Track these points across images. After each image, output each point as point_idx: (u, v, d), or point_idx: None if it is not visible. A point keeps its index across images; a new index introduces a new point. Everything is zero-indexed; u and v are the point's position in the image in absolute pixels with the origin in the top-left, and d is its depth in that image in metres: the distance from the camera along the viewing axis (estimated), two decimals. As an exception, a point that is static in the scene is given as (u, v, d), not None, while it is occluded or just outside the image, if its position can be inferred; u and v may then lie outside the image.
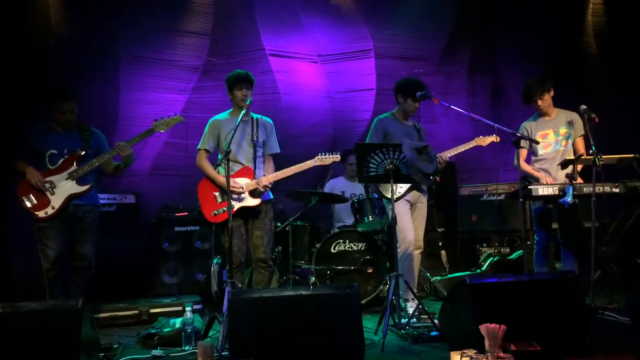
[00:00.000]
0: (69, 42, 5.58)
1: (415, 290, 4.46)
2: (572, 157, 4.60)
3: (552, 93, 4.84)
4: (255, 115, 4.38)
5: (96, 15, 5.68)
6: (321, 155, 4.35)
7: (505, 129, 4.28)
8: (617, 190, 4.43)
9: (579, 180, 4.59)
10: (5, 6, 5.26)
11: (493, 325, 2.65)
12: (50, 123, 4.21)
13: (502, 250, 5.82)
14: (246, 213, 4.23)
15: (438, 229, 6.19)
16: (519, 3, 6.80)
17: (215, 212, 4.16)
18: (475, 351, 2.73)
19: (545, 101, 4.82)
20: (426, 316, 4.05)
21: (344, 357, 3.06)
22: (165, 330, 3.85)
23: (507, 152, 6.35)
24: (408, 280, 4.26)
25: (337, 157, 4.37)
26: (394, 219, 4.12)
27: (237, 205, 4.16)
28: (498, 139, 4.70)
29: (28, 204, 4.00)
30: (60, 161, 4.11)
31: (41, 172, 4.04)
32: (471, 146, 4.69)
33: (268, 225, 4.29)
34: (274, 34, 6.36)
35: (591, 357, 3.24)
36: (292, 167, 4.27)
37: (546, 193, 4.45)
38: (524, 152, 4.97)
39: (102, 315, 4.50)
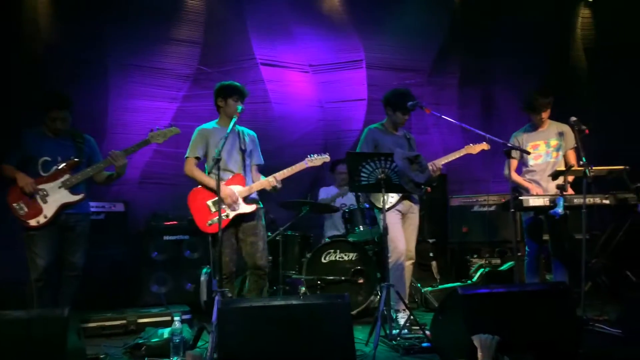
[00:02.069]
0: (58, 49, 5.55)
1: (406, 301, 4.43)
2: (563, 168, 4.62)
3: None
4: (238, 127, 4.38)
5: (86, 23, 5.66)
6: (310, 156, 4.36)
7: (496, 139, 4.28)
8: (607, 201, 4.45)
9: (570, 191, 4.62)
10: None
11: (486, 335, 2.62)
12: (42, 128, 4.13)
13: (492, 261, 5.81)
14: (239, 221, 4.20)
15: (428, 240, 6.17)
16: (509, 16, 6.86)
17: (211, 222, 4.10)
18: (467, 362, 2.71)
19: (547, 114, 4.85)
20: (417, 327, 4.02)
21: (334, 368, 3.03)
22: (153, 340, 3.79)
23: (498, 164, 6.35)
24: (399, 290, 4.23)
25: (326, 158, 4.39)
26: (385, 229, 4.10)
27: (232, 214, 4.13)
28: (488, 147, 4.73)
29: (20, 212, 3.92)
30: (54, 169, 4.03)
31: (33, 179, 3.96)
32: (462, 154, 4.71)
33: (262, 231, 4.28)
34: (265, 43, 6.37)
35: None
36: (285, 170, 4.27)
37: (537, 204, 4.46)
38: (514, 163, 4.99)
39: (89, 325, 4.41)
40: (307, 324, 3.05)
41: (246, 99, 4.35)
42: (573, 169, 4.47)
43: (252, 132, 4.47)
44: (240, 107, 4.16)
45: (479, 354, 2.63)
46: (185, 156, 4.31)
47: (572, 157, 4.82)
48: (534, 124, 4.96)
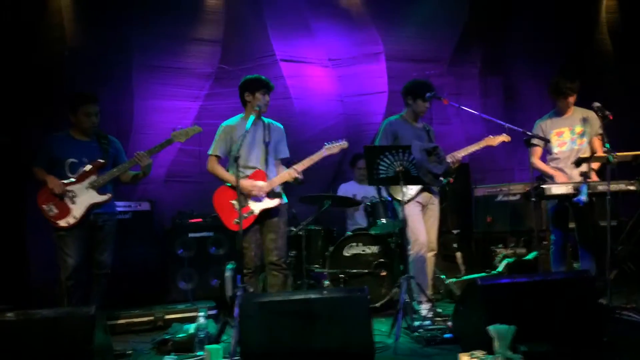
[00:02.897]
0: (82, 52, 5.67)
1: (429, 293, 4.43)
2: (588, 155, 4.55)
3: None
4: (266, 120, 4.40)
5: (109, 26, 5.78)
6: (328, 144, 4.34)
7: (515, 128, 4.25)
8: (632, 187, 4.36)
9: (594, 178, 4.54)
10: (20, 18, 5.36)
11: (502, 325, 2.62)
12: (68, 131, 4.25)
13: (517, 251, 5.74)
14: (263, 217, 4.24)
15: (453, 231, 6.14)
16: (530, 2, 6.73)
17: (237, 219, 4.10)
18: (484, 352, 2.71)
19: (573, 99, 4.79)
20: (440, 318, 4.02)
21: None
22: (178, 335, 3.87)
23: (522, 152, 6.29)
24: (420, 282, 4.24)
25: (344, 144, 4.35)
26: (405, 221, 4.10)
27: (257, 209, 4.18)
28: (509, 139, 4.68)
29: (50, 213, 4.03)
30: (81, 170, 4.14)
31: (62, 181, 4.07)
32: (481, 146, 4.68)
33: (282, 228, 4.30)
34: (284, 40, 6.39)
35: (607, 357, 3.20)
36: (304, 160, 4.27)
37: (560, 192, 4.40)
38: (538, 151, 4.94)
39: (118, 322, 4.54)
40: (326, 317, 3.08)
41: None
42: (596, 155, 4.39)
43: (279, 125, 4.47)
44: (258, 105, 4.19)
45: (495, 344, 2.63)
46: (208, 153, 4.37)
47: (597, 144, 4.74)
48: (558, 110, 4.90)
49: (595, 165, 4.60)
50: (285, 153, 4.44)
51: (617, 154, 4.22)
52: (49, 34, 5.61)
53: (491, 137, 4.72)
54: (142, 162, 4.19)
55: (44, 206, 4.05)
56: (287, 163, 4.45)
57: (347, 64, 6.65)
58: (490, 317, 2.98)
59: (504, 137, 4.69)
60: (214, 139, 4.36)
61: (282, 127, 4.48)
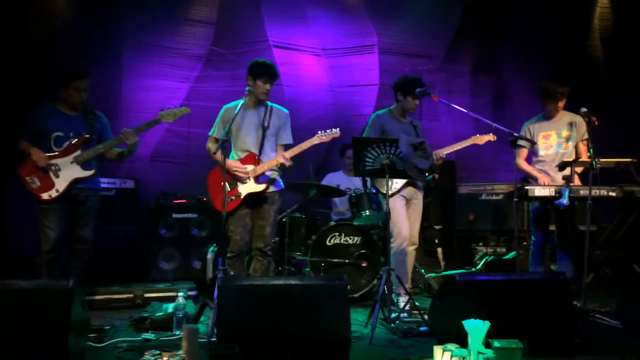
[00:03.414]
0: (73, 28, 5.60)
1: (408, 286, 4.48)
2: (571, 159, 4.61)
3: None
4: (270, 104, 4.38)
5: (101, 1, 5.71)
6: (321, 132, 4.32)
7: (503, 128, 4.29)
8: (613, 194, 4.44)
9: (577, 182, 4.61)
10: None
11: (476, 320, 2.66)
12: (55, 104, 4.21)
13: (497, 249, 5.82)
14: (253, 202, 4.24)
15: (435, 227, 6.20)
16: (524, 4, 6.77)
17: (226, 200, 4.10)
18: (457, 346, 2.75)
19: (562, 103, 4.85)
20: (417, 311, 4.07)
21: (330, 347, 3.08)
22: (157, 314, 3.89)
23: (508, 152, 6.30)
24: (400, 275, 4.28)
25: (336, 133, 4.33)
26: (388, 213, 4.13)
27: (244, 192, 4.19)
28: (495, 138, 4.72)
29: (33, 186, 4.01)
30: (66, 144, 4.11)
31: (46, 154, 4.05)
32: (467, 144, 4.73)
33: (273, 216, 4.29)
34: (278, 26, 6.37)
35: (578, 358, 3.26)
36: (295, 147, 4.26)
37: (542, 194, 4.47)
38: (524, 152, 5.00)
39: (97, 297, 4.55)
40: (304, 304, 3.10)
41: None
42: (580, 160, 4.46)
43: (284, 110, 4.42)
44: (247, 89, 4.19)
45: (469, 338, 2.67)
46: (208, 134, 4.36)
47: (582, 149, 4.81)
48: (546, 113, 4.95)
49: (579, 169, 4.66)
50: (287, 139, 4.38)
51: (601, 159, 4.28)
52: (40, 7, 5.53)
53: (478, 135, 4.77)
54: (129, 140, 4.17)
55: (27, 178, 4.03)
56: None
57: (340, 54, 6.63)
58: (466, 313, 3.01)
59: (490, 137, 4.75)
60: (216, 120, 4.34)
61: (287, 112, 4.43)
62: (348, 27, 6.59)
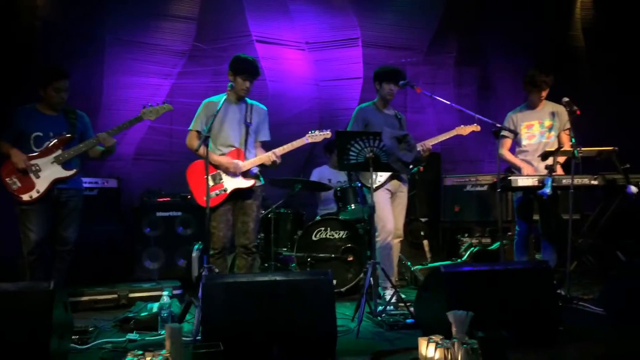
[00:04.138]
0: (54, 25, 5.53)
1: (394, 279, 4.49)
2: (554, 148, 4.63)
3: None
4: (250, 101, 4.36)
5: (82, -1, 5.65)
6: (312, 132, 4.33)
7: (485, 119, 4.31)
8: (595, 182, 4.47)
9: (560, 171, 4.64)
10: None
11: (460, 311, 2.67)
12: (34, 105, 4.17)
13: (483, 240, 5.86)
14: (236, 197, 4.21)
15: (421, 219, 6.22)
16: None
17: (210, 195, 4.05)
18: (441, 337, 2.76)
19: (546, 93, 4.88)
20: (403, 304, 4.08)
21: (316, 342, 3.09)
22: (142, 314, 3.86)
23: (493, 143, 6.34)
24: (386, 268, 4.29)
25: (327, 134, 4.34)
26: (373, 207, 4.13)
27: (230, 187, 4.16)
28: (479, 128, 4.74)
29: (13, 187, 3.97)
30: (46, 144, 4.07)
31: (26, 155, 4.01)
32: (452, 135, 4.74)
33: (256, 211, 4.27)
34: (261, 20, 6.33)
35: (562, 346, 3.29)
36: (286, 145, 4.25)
37: (525, 184, 4.49)
38: (507, 142, 5.02)
39: (81, 299, 4.50)
40: (290, 300, 3.10)
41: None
42: (562, 149, 4.48)
43: (263, 107, 4.42)
44: (230, 84, 4.16)
45: (453, 329, 2.68)
46: (188, 128, 4.30)
47: (565, 138, 4.83)
48: (530, 103, 4.98)
49: (562, 159, 4.69)
50: (266, 136, 4.40)
51: (583, 148, 4.31)
52: (21, 3, 5.44)
53: (462, 126, 4.78)
54: (106, 143, 4.15)
55: (7, 179, 3.99)
56: (267, 147, 4.41)
57: (324, 48, 6.62)
58: (451, 304, 3.02)
59: (474, 127, 4.76)
60: (196, 114, 4.29)
61: (265, 109, 4.43)
62: (331, 20, 6.57)
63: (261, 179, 4.36)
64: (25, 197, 3.99)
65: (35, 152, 4.05)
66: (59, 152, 4.09)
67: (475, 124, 4.72)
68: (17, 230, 4.06)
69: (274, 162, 4.20)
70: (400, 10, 6.67)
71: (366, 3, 6.60)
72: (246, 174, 4.22)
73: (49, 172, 4.05)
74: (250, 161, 4.21)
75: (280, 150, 4.23)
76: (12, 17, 5.38)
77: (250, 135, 4.29)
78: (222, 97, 4.19)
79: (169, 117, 5.96)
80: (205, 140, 3.85)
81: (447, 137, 4.71)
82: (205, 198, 4.00)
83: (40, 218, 4.04)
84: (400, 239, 4.66)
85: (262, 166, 4.30)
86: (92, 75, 5.82)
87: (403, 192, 4.65)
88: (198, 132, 4.24)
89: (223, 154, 4.20)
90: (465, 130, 4.77)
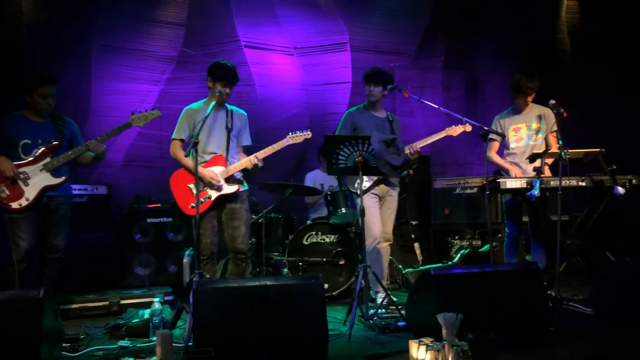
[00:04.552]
0: (41, 30, 5.51)
1: (384, 282, 4.50)
2: (542, 150, 4.67)
3: None
4: (229, 107, 4.37)
5: (70, 3, 5.62)
6: (292, 133, 4.34)
7: (473, 122, 4.34)
8: (583, 184, 4.52)
9: (547, 173, 4.68)
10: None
11: (450, 314, 2.69)
12: (22, 112, 4.15)
13: (473, 242, 5.88)
14: (221, 202, 4.21)
15: (412, 222, 6.23)
16: (494, -1, 6.86)
17: (193, 204, 4.06)
18: (432, 339, 2.78)
19: (531, 97, 4.91)
20: (394, 307, 4.09)
21: (308, 346, 3.09)
22: (133, 321, 3.85)
23: (481, 146, 6.36)
24: (377, 272, 4.30)
25: (308, 135, 4.36)
26: (362, 210, 4.14)
27: (214, 194, 4.16)
28: (470, 128, 4.71)
29: (2, 195, 3.95)
30: (34, 152, 4.05)
31: (14, 163, 3.99)
32: (442, 136, 4.74)
33: (245, 215, 4.27)
34: (249, 26, 6.34)
35: (552, 347, 3.31)
36: (267, 148, 4.25)
37: (514, 186, 4.52)
38: (495, 145, 5.06)
39: (72, 306, 4.48)
40: (280, 304, 3.10)
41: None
42: (550, 151, 4.52)
43: (243, 112, 4.44)
44: (218, 91, 4.16)
45: (443, 331, 2.70)
46: (172, 137, 4.31)
47: (552, 140, 4.87)
48: (516, 107, 5.01)
49: (549, 160, 4.73)
50: (247, 141, 4.43)
51: (570, 150, 4.35)
52: (6, 9, 5.42)
53: (453, 127, 4.78)
54: (96, 150, 4.14)
55: (-5, 188, 3.96)
56: (249, 151, 4.42)
57: (312, 52, 6.63)
58: (441, 306, 3.04)
59: (465, 127, 4.74)
60: (177, 123, 4.30)
61: (245, 114, 4.46)
62: (319, 25, 6.59)
63: (245, 183, 4.36)
64: (15, 205, 3.97)
65: (24, 159, 4.03)
66: (48, 159, 4.08)
67: (466, 124, 4.70)
68: (6, 238, 4.03)
69: (255, 166, 4.20)
70: (387, 14, 6.71)
71: (354, 8, 6.63)
72: (229, 180, 4.22)
73: (38, 180, 4.03)
74: (233, 166, 4.22)
75: (262, 154, 4.23)
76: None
77: (232, 140, 4.31)
78: (201, 104, 4.25)
79: (158, 123, 5.94)
80: (194, 145, 3.85)
81: (437, 138, 4.71)
82: (190, 206, 4.08)
83: (30, 226, 4.02)
84: (390, 242, 4.67)
85: (246, 171, 4.30)
86: (80, 81, 5.80)
87: (392, 196, 4.66)
88: (182, 140, 4.25)
89: (205, 161, 4.20)
90: (455, 130, 4.77)
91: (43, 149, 4.07)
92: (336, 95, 6.69)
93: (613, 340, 3.42)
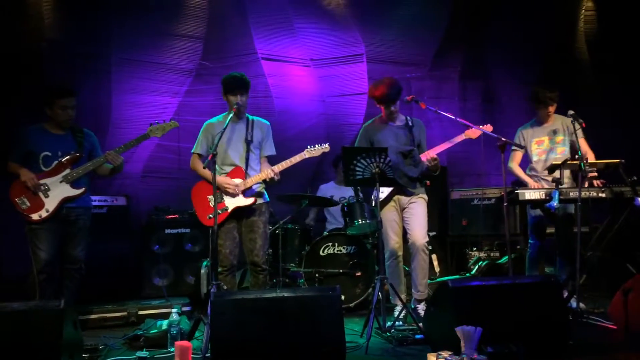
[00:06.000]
0: (61, 44, 5.61)
1: (403, 295, 4.46)
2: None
3: None
4: (251, 117, 4.40)
5: (89, 18, 5.71)
6: (310, 147, 4.31)
7: (490, 133, 4.31)
8: (603, 195, 4.48)
9: (566, 184, 4.63)
10: (-3, 8, 5.30)
11: (469, 327, 2.67)
12: (42, 124, 4.22)
13: (491, 254, 5.83)
14: (240, 215, 4.24)
15: (429, 233, 6.18)
16: (511, 9, 6.83)
17: (211, 215, 4.07)
18: (450, 353, 2.76)
19: (553, 108, 4.86)
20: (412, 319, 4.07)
21: (325, 358, 3.08)
22: (151, 331, 3.87)
23: (499, 157, 6.34)
24: (394, 284, 4.27)
25: (326, 148, 4.32)
26: (380, 222, 4.12)
27: (231, 206, 4.18)
28: (491, 128, 4.51)
29: (22, 206, 4.00)
30: (55, 163, 4.11)
31: (35, 174, 4.05)
32: (461, 139, 4.54)
33: (262, 227, 4.28)
34: (266, 38, 6.39)
35: (570, 360, 3.28)
36: (285, 162, 4.24)
37: (533, 197, 4.49)
38: (518, 156, 5.02)
39: (90, 317, 4.52)
40: (298, 316, 3.11)
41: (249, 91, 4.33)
42: (568, 162, 4.47)
43: (265, 122, 4.44)
44: (236, 103, 4.19)
45: (462, 345, 2.67)
46: (192, 151, 4.36)
47: (584, 145, 4.77)
48: (539, 118, 4.98)
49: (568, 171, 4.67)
50: (270, 151, 4.41)
51: (590, 161, 4.31)
52: (27, 25, 5.53)
53: (472, 129, 4.50)
54: (114, 162, 4.19)
55: (16, 199, 4.02)
56: (272, 161, 4.41)
57: (329, 64, 6.65)
58: (459, 319, 3.02)
59: (485, 127, 4.50)
60: (197, 137, 4.35)
61: (268, 123, 4.45)
62: (336, 37, 6.62)
63: (265, 195, 4.37)
64: (35, 216, 4.02)
65: (44, 171, 4.10)
66: (68, 171, 4.14)
67: (487, 124, 4.59)
68: (26, 249, 4.08)
69: (272, 179, 4.20)
70: (403, 25, 6.71)
71: (370, 19, 6.65)
72: (248, 192, 4.24)
73: (57, 191, 4.09)
74: (250, 179, 4.23)
75: (279, 167, 4.23)
76: (19, 38, 5.45)
77: (252, 151, 4.31)
78: (220, 117, 4.29)
79: (176, 134, 6.01)
80: (212, 159, 3.88)
81: (454, 142, 4.54)
82: (207, 217, 4.11)
83: (50, 237, 4.07)
84: (423, 249, 4.43)
85: (264, 183, 4.32)
86: (100, 94, 5.88)
87: (415, 202, 4.47)
88: (200, 154, 4.30)
89: (226, 172, 4.23)
90: (475, 132, 4.52)
91: (63, 160, 4.13)
92: (353, 106, 6.69)
93: (633, 354, 3.36)
